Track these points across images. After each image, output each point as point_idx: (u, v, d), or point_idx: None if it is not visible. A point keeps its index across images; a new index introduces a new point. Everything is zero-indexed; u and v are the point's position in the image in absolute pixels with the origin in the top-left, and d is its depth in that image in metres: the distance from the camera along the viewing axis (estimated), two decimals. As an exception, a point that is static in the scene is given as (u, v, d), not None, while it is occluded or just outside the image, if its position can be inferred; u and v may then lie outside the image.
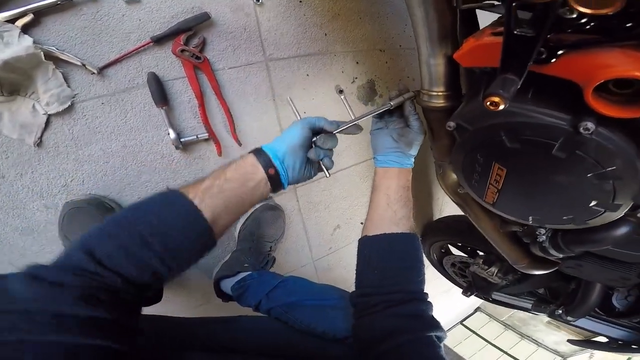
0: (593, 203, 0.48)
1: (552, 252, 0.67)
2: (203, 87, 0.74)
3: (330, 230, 1.05)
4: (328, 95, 0.88)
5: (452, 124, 0.55)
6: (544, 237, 0.67)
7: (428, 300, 0.55)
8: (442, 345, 0.51)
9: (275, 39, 0.79)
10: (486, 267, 1.04)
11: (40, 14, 0.59)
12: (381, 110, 0.64)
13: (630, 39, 0.33)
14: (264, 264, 0.86)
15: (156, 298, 0.78)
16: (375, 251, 0.57)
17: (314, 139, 0.56)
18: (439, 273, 1.37)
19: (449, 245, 1.22)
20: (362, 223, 1.09)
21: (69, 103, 0.65)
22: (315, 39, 0.83)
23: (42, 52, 0.59)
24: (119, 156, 0.71)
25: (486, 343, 2.02)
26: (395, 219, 0.59)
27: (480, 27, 0.60)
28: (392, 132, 0.65)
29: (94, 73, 0.65)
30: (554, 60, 0.38)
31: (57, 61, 0.62)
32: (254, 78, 0.78)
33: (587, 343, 0.96)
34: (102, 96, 0.68)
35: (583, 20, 0.34)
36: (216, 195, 0.44)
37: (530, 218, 0.59)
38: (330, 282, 1.11)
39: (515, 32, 0.34)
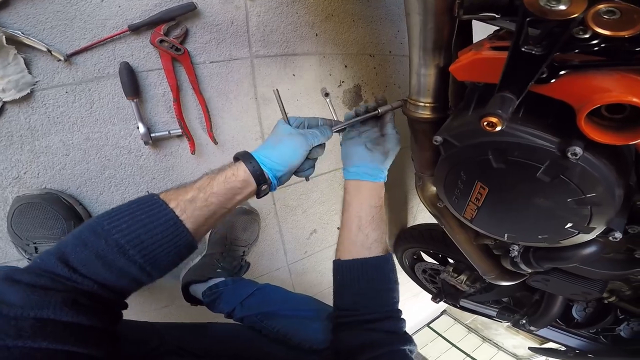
0: (569, 225, 0.49)
1: (522, 266, 0.70)
2: (180, 80, 0.69)
3: (306, 235, 1.03)
4: (313, 97, 0.86)
5: (439, 138, 0.54)
6: (516, 252, 0.69)
7: (402, 317, 0.56)
8: (413, 357, 0.54)
9: (264, 35, 0.75)
10: (456, 275, 1.07)
11: None
12: (369, 116, 0.61)
13: (635, 63, 0.32)
14: (237, 270, 0.82)
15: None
16: (348, 277, 0.57)
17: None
18: (409, 277, 1.39)
19: (421, 252, 1.24)
20: (338, 228, 1.09)
21: (28, 90, 0.60)
22: (305, 38, 0.80)
23: (3, 36, 0.54)
24: (80, 149, 0.66)
25: (451, 345, 2.11)
26: (367, 243, 0.57)
27: (474, 40, 0.60)
28: (366, 141, 0.61)
29: (60, 60, 0.60)
30: (554, 80, 0.36)
31: (21, 46, 0.57)
32: (236, 74, 0.74)
33: (546, 351, 1.02)
34: (66, 85, 0.62)
35: (594, 41, 0.32)
36: (200, 208, 0.44)
37: (506, 235, 0.61)
38: (305, 285, 1.11)
39: (523, 48, 0.33)
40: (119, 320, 0.40)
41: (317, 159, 0.58)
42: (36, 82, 0.60)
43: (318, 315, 0.67)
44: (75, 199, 0.68)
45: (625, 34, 0.29)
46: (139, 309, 0.87)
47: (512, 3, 0.54)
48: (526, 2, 0.29)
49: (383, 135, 0.62)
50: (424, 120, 0.63)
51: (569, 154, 0.39)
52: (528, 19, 0.31)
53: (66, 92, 0.62)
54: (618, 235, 0.47)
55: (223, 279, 0.80)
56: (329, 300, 0.63)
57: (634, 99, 0.33)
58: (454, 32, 0.54)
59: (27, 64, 0.58)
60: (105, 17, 0.61)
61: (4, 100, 0.58)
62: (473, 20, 0.55)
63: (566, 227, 0.49)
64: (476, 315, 1.17)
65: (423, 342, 2.13)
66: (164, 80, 0.68)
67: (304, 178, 0.58)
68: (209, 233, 0.83)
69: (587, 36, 0.31)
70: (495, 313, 1.07)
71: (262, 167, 0.49)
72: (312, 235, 1.04)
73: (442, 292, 1.17)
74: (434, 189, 0.77)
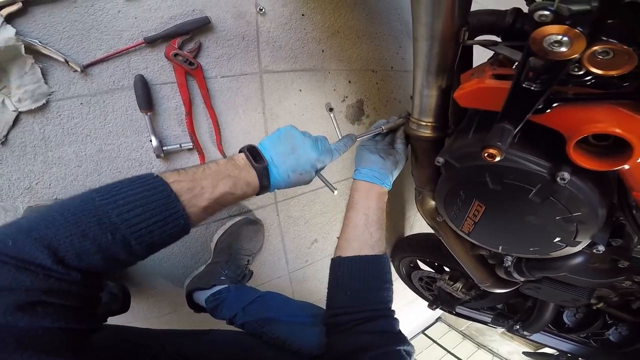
0: (557, 239, 0.55)
1: (515, 275, 0.75)
2: (192, 93, 0.73)
3: (307, 244, 1.07)
4: (317, 111, 0.90)
5: (440, 159, 0.59)
6: (510, 262, 0.75)
7: (395, 317, 0.58)
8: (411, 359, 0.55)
9: (273, 51, 0.79)
10: (452, 283, 1.13)
11: (29, 3, 0.55)
12: (375, 133, 0.69)
13: (622, 97, 0.37)
14: (241, 278, 0.85)
15: (123, 308, 0.75)
16: (348, 273, 0.58)
17: None
18: (405, 285, 1.44)
19: (418, 261, 1.29)
20: (338, 238, 1.13)
21: (44, 101, 0.61)
22: (312, 54, 0.84)
23: (22, 45, 0.55)
24: (93, 161, 0.68)
25: (445, 352, 2.16)
26: (371, 241, 0.61)
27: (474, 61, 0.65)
28: (380, 150, 0.68)
29: (76, 71, 0.62)
30: (548, 110, 0.40)
31: (38, 55, 0.58)
32: (245, 89, 0.78)
33: (539, 355, 1.07)
34: (81, 96, 0.64)
35: (587, 77, 0.37)
36: (201, 197, 0.42)
37: (500, 247, 0.66)
38: (304, 292, 1.14)
39: (523, 84, 0.37)
40: (93, 318, 0.36)
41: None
42: (52, 92, 0.62)
43: (317, 321, 0.68)
44: None
45: (615, 73, 0.33)
46: (142, 316, 0.88)
47: (513, 26, 0.60)
48: (531, 43, 0.33)
49: (393, 148, 0.69)
50: (425, 139, 0.68)
51: (558, 179, 0.45)
52: (530, 57, 0.35)
53: (81, 104, 0.65)
54: (601, 248, 0.53)
55: (226, 285, 0.82)
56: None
57: (617, 130, 0.38)
58: (457, 56, 0.58)
59: (44, 74, 0.60)
60: (122, 28, 0.64)
61: (19, 110, 0.60)
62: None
63: (555, 241, 0.54)
64: (471, 322, 1.21)
65: (418, 349, 2.17)
66: (177, 94, 0.71)
67: (309, 190, 0.62)
68: (214, 243, 0.86)
69: (581, 73, 0.36)
70: (490, 319, 1.12)
71: (258, 147, 0.51)
72: (313, 245, 1.08)
73: (438, 299, 1.22)
74: (433, 203, 0.82)
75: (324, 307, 0.65)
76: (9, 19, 0.54)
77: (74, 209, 0.34)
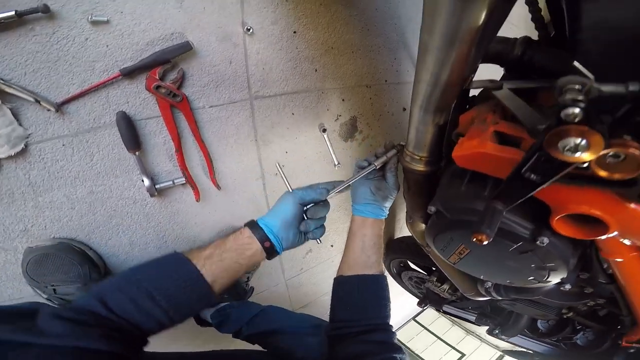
0: (530, 278, 0.60)
1: (494, 294, 0.82)
2: (180, 127, 0.71)
3: (302, 255, 1.11)
4: (311, 133, 0.88)
5: (432, 208, 0.61)
6: (490, 284, 0.81)
7: (392, 330, 0.64)
8: None
9: (263, 74, 0.76)
10: (439, 285, 1.20)
11: None
12: (365, 173, 0.68)
13: (610, 185, 0.37)
14: (243, 294, 0.90)
15: None
16: (348, 291, 0.65)
17: (306, 209, 0.62)
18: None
19: (408, 262, 1.35)
20: (332, 245, 1.17)
21: (22, 145, 0.59)
22: (305, 74, 0.81)
23: None
24: (85, 202, 0.68)
25: (436, 338, 2.31)
26: (368, 263, 0.67)
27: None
28: (371, 184, 0.71)
29: (50, 110, 0.59)
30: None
31: (4, 95, 0.55)
32: (236, 117, 0.76)
33: (517, 354, 1.19)
34: (62, 137, 0.62)
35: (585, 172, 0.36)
36: (216, 262, 0.52)
37: (482, 276, 0.72)
38: (300, 296, 1.20)
39: (525, 175, 0.38)
40: (140, 352, 0.48)
41: (323, 219, 0.64)
42: (29, 134, 0.59)
43: (318, 331, 0.76)
44: (85, 244, 0.71)
45: (619, 177, 0.33)
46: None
47: (521, 59, 0.59)
48: (546, 144, 0.32)
49: (384, 180, 0.72)
50: (418, 172, 0.69)
51: (537, 242, 0.49)
52: (541, 155, 0.35)
53: (63, 145, 0.62)
54: (568, 287, 0.60)
55: (229, 302, 0.87)
56: (322, 307, 0.72)
57: (599, 213, 0.41)
58: (456, 98, 0.58)
59: (16, 115, 0.57)
60: (93, 58, 0.60)
61: None
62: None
63: (529, 279, 0.60)
64: (470, 323, 1.31)
65: (409, 335, 2.31)
66: (164, 128, 0.68)
67: (316, 240, 0.64)
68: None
69: (583, 168, 0.34)
70: (475, 318, 1.21)
71: (258, 222, 0.59)
72: (308, 255, 1.12)
73: (426, 298, 1.30)
74: (422, 225, 0.85)
75: (318, 309, 0.71)
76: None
77: (116, 277, 0.48)
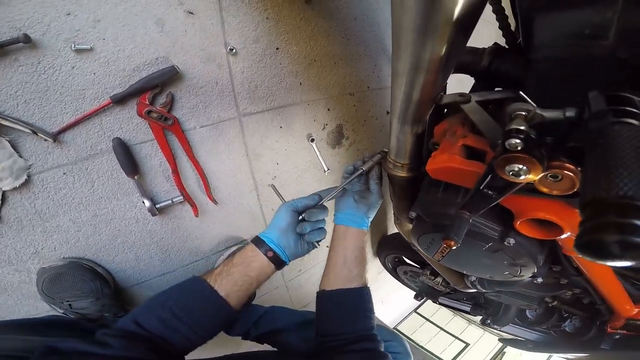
0: (506, 273, 0.67)
1: (479, 287, 0.88)
2: (174, 148, 0.75)
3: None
4: (300, 144, 0.93)
5: (413, 214, 0.66)
6: (474, 277, 0.87)
7: (378, 339, 0.65)
8: None
9: (249, 91, 0.80)
10: (432, 278, 1.26)
11: None
12: (355, 176, 0.72)
13: (553, 196, 0.43)
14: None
15: None
16: (330, 306, 0.66)
17: (303, 214, 0.66)
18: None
19: (402, 257, 1.41)
20: (327, 246, 1.22)
21: (25, 176, 0.62)
22: (290, 88, 0.85)
23: None
24: (90, 225, 0.72)
25: (439, 329, 2.35)
26: (350, 277, 0.67)
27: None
28: (354, 193, 0.73)
29: (47, 140, 0.61)
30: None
31: (0, 127, 0.57)
32: (226, 135, 0.80)
33: (511, 342, 1.25)
34: (62, 165, 0.66)
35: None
36: (226, 278, 0.59)
37: (465, 271, 0.78)
38: (300, 296, 1.26)
39: (483, 190, 0.44)
40: None
41: (320, 222, 0.68)
42: (30, 165, 0.62)
43: None
44: (94, 262, 0.76)
45: (557, 193, 0.40)
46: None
47: (489, 69, 0.63)
48: (496, 167, 0.38)
49: (368, 190, 0.74)
50: (400, 178, 0.74)
51: (505, 242, 0.55)
52: (491, 174, 0.41)
53: (64, 174, 0.66)
54: (540, 280, 0.67)
55: None
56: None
57: (552, 217, 0.49)
58: (430, 110, 0.62)
59: (15, 147, 0.59)
60: (82, 86, 0.61)
61: (3, 189, 0.60)
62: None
63: (505, 274, 0.67)
64: (465, 314, 1.37)
65: (412, 327, 2.35)
66: (159, 151, 0.72)
67: (312, 242, 0.68)
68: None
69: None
70: (470, 309, 1.27)
71: (259, 236, 0.64)
72: (305, 256, 1.17)
73: (422, 291, 1.36)
74: (409, 225, 0.91)
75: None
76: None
77: (146, 302, 0.56)
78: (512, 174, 0.37)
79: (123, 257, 0.79)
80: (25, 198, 0.65)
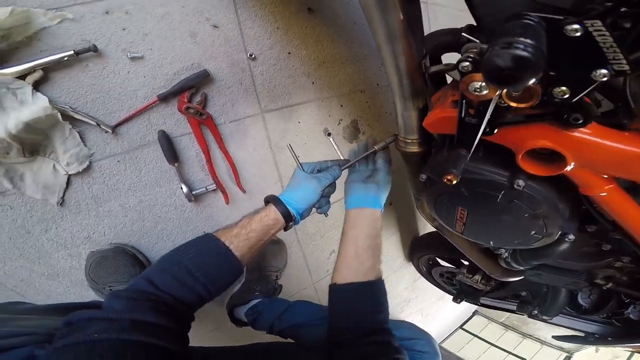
0: (532, 232, 0.64)
1: (514, 264, 0.84)
2: (208, 141, 0.87)
3: (326, 255, 1.20)
4: (318, 138, 1.03)
5: (423, 176, 0.70)
6: (506, 253, 0.84)
7: (391, 332, 0.63)
8: None
9: (269, 91, 0.92)
10: (470, 276, 1.21)
11: (48, 70, 0.64)
12: (369, 153, 0.78)
13: (546, 118, 0.46)
14: (272, 292, 1.00)
15: None
16: (343, 300, 0.64)
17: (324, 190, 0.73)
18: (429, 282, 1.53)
19: (436, 258, 1.38)
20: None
21: (88, 162, 0.73)
22: (304, 87, 0.97)
23: (58, 113, 0.65)
24: (136, 210, 0.84)
25: (489, 345, 2.12)
26: (362, 269, 0.65)
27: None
28: (362, 176, 0.77)
29: (107, 132, 0.74)
30: (495, 131, 0.51)
31: (72, 120, 0.69)
32: (252, 129, 0.92)
33: (568, 338, 1.10)
34: (117, 154, 0.78)
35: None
36: (242, 241, 0.61)
37: (491, 242, 0.76)
38: (329, 299, 1.26)
39: (465, 119, 0.49)
40: (188, 327, 0.55)
41: (330, 195, 0.74)
42: (92, 153, 0.73)
43: None
44: (137, 249, 0.85)
45: (525, 105, 0.43)
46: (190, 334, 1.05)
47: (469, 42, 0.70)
48: (462, 89, 0.44)
49: (376, 170, 0.78)
50: (412, 154, 0.79)
51: (515, 186, 0.55)
52: (464, 101, 0.47)
53: (118, 162, 0.77)
54: (571, 237, 0.62)
55: (261, 299, 0.97)
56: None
57: (549, 144, 0.49)
58: (426, 81, 0.69)
59: (81, 137, 0.70)
60: (135, 87, 0.73)
61: (69, 173, 0.71)
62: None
63: (531, 234, 0.64)
64: (510, 313, 1.26)
65: (459, 344, 2.14)
66: (195, 143, 0.85)
67: (323, 214, 0.74)
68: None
69: (506, 105, 0.46)
70: (516, 307, 1.19)
71: (288, 207, 0.67)
72: (332, 255, 1.21)
73: (461, 292, 1.30)
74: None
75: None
76: (35, 86, 0.62)
77: (159, 261, 0.58)
78: (476, 91, 0.42)
79: (162, 245, 0.88)
80: (85, 183, 0.76)
